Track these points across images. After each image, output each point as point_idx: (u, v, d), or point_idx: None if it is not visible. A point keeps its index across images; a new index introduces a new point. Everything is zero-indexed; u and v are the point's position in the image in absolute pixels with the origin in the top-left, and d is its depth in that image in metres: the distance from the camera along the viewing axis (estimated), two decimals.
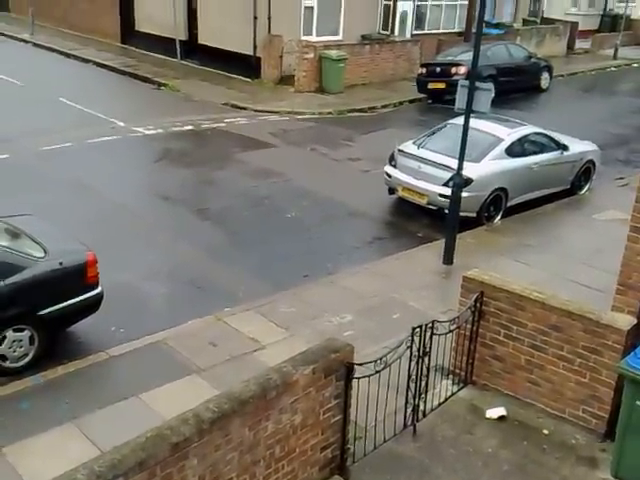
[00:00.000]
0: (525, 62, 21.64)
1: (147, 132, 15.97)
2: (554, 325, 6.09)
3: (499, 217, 11.35)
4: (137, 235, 10.39)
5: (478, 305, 6.44)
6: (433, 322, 5.84)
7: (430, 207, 11.11)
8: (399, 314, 8.09)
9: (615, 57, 28.03)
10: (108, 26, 27.47)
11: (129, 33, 26.73)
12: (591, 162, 12.79)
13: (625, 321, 5.85)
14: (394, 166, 11.77)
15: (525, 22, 29.56)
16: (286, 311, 8.23)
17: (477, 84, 9.62)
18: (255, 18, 21.11)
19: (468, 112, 9.49)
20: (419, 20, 25.45)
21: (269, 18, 21.08)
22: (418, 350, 5.73)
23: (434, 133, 12.11)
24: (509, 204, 11.42)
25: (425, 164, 11.19)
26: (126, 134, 15.70)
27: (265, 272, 9.39)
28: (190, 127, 16.54)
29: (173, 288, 8.87)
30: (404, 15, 24.89)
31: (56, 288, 7.12)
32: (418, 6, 25.26)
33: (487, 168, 11.03)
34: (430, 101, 19.99)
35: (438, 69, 19.94)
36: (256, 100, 19.31)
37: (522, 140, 11.73)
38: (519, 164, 11.43)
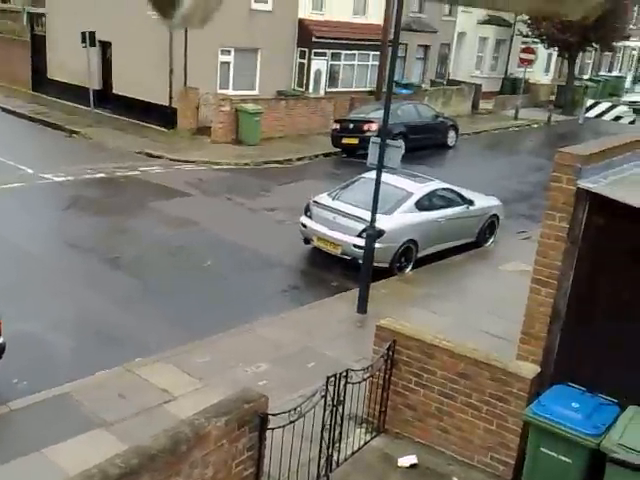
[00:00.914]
0: (433, 121, 22.68)
1: (57, 179, 15.56)
2: (462, 373, 6.28)
3: (410, 267, 11.71)
4: (43, 284, 10.01)
5: (390, 353, 6.57)
6: (347, 371, 5.90)
7: (344, 257, 11.36)
8: (314, 363, 8.11)
9: (516, 117, 29.84)
10: (19, 73, 26.89)
11: (41, 81, 26.23)
12: (495, 216, 13.46)
13: (530, 370, 6.11)
14: (309, 217, 12.01)
15: (433, 83, 31.12)
16: (200, 361, 8.08)
17: (388, 141, 10.02)
18: (171, 71, 21.24)
19: (380, 167, 9.85)
20: (332, 78, 26.32)
21: (185, 71, 21.27)
22: (332, 399, 5.76)
23: (348, 186, 12.45)
24: (419, 255, 11.83)
25: (339, 215, 11.48)
26: (35, 181, 15.24)
27: (180, 322, 9.23)
28: (103, 175, 16.25)
29: (80, 339, 8.55)
30: (318, 73, 25.71)
31: None
32: (331, 65, 26.17)
33: (398, 220, 11.43)
34: (344, 155, 20.54)
35: (351, 125, 20.59)
36: (172, 149, 19.25)
37: (430, 195, 12.23)
38: (428, 217, 11.89)
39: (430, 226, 11.87)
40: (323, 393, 5.63)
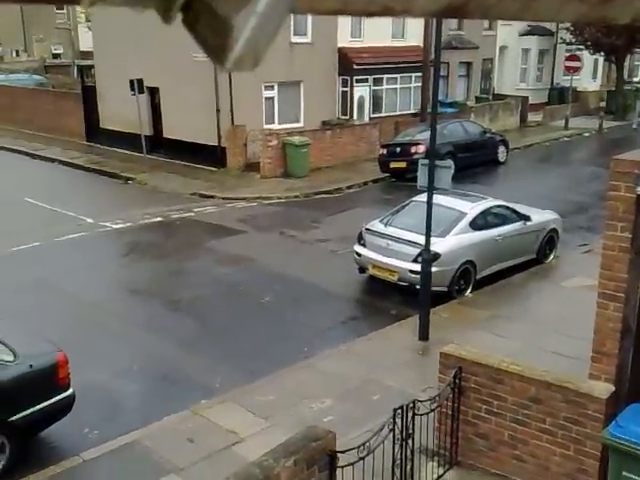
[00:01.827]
0: (481, 137, 22.42)
1: (115, 226, 16.00)
2: (534, 397, 6.08)
3: (470, 290, 11.47)
4: (107, 332, 10.22)
5: (457, 381, 6.42)
6: (414, 402, 5.79)
7: (401, 284, 11.20)
8: (379, 395, 7.99)
9: (566, 127, 29.25)
10: (73, 125, 27.94)
11: (94, 131, 27.18)
12: (554, 230, 13.11)
13: (603, 389, 5.87)
14: (363, 245, 11.91)
15: (478, 99, 30.85)
16: (264, 399, 8.07)
17: (437, 162, 9.93)
18: (218, 110, 21.71)
19: (430, 189, 9.75)
20: (376, 104, 26.39)
21: (231, 110, 21.70)
22: (401, 432, 5.65)
23: (399, 211, 12.34)
24: (478, 276, 11.58)
25: (393, 241, 11.35)
26: (94, 230, 15.71)
27: (241, 360, 9.26)
28: (159, 218, 16.63)
29: (146, 384, 8.67)
30: (361, 100, 25.83)
31: (27, 392, 6.92)
32: (374, 91, 26.26)
33: (453, 242, 11.24)
34: (393, 180, 20.48)
35: (398, 149, 20.54)
36: (223, 188, 19.58)
37: (485, 213, 12.00)
38: (484, 237, 11.65)
39: (487, 245, 11.62)
40: (391, 427, 5.53)
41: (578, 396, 5.85)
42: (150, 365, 9.19)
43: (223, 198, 18.64)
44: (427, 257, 9.92)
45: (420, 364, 8.96)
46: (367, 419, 7.01)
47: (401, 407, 5.63)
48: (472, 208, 11.88)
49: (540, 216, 13.05)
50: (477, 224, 11.72)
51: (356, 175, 21.17)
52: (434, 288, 10.23)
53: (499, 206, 12.44)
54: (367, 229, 11.96)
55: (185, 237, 15.25)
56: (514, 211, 12.50)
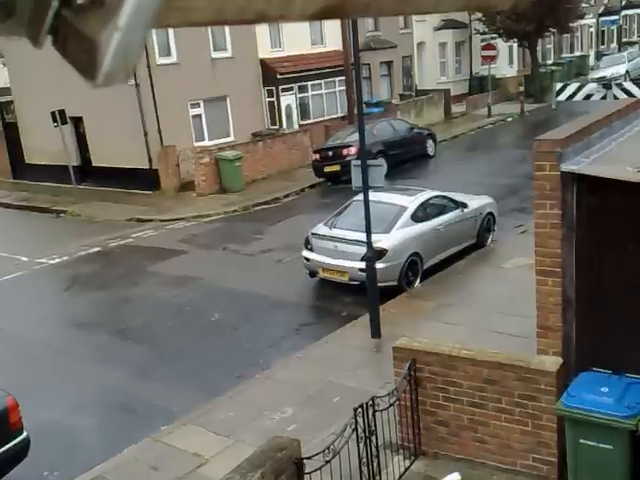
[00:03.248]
0: (409, 133, 22.83)
1: (52, 262, 15.58)
2: (488, 379, 6.23)
3: (418, 280, 11.73)
4: (56, 369, 9.95)
5: (412, 373, 6.51)
6: (373, 399, 5.86)
7: (352, 283, 11.33)
8: (339, 397, 8.04)
9: (489, 115, 30.09)
10: None
11: (19, 167, 26.43)
12: (491, 214, 13.55)
13: (552, 363, 6.06)
14: (311, 250, 12.00)
15: (402, 97, 31.39)
16: (225, 417, 8.01)
17: (368, 162, 10.08)
18: (146, 133, 21.43)
19: (366, 189, 9.89)
20: (304, 111, 26.55)
21: (159, 131, 21.46)
22: (364, 430, 5.70)
23: (341, 212, 12.46)
24: (425, 267, 11.87)
25: (340, 243, 11.48)
26: (31, 267, 15.25)
27: (197, 380, 9.16)
28: (97, 248, 16.28)
29: (103, 417, 8.48)
30: (289, 109, 25.95)
31: None
32: (300, 98, 26.43)
33: (398, 237, 11.46)
34: (329, 184, 20.63)
35: (330, 153, 20.72)
36: (160, 210, 19.33)
37: (424, 205, 12.26)
38: (426, 228, 11.94)
39: (430, 236, 11.92)
40: (353, 426, 5.57)
41: (529, 372, 6.02)
42: (104, 397, 8.99)
43: (161, 220, 18.40)
44: (371, 255, 10.04)
45: (376, 361, 9.06)
46: (330, 422, 7.05)
47: (361, 405, 5.68)
48: (411, 201, 12.13)
49: (476, 202, 13.42)
50: (418, 216, 11.98)
51: (292, 183, 21.24)
52: (384, 284, 10.52)
53: (437, 196, 12.76)
54: (313, 233, 12.07)
55: (126, 264, 14.98)
56: (451, 200, 12.84)
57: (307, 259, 12.02)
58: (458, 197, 13.08)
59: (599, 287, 6.29)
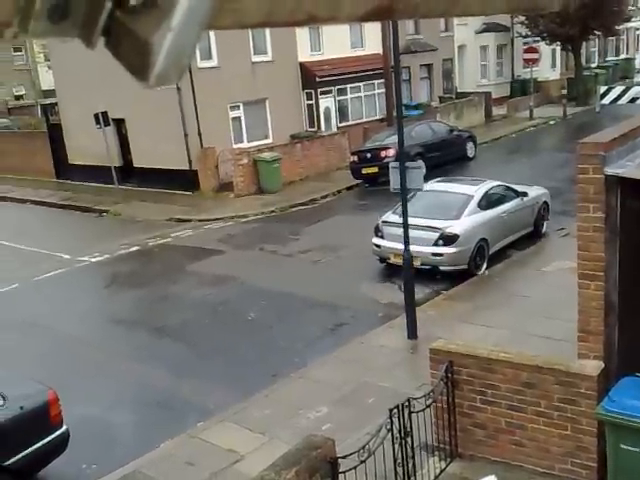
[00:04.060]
0: (448, 136, 22.64)
1: (93, 260, 15.87)
2: (526, 382, 6.12)
3: (485, 265, 12.25)
4: (95, 365, 10.12)
5: (449, 375, 6.44)
6: (409, 400, 5.81)
7: (423, 267, 11.65)
8: (374, 397, 7.99)
9: (531, 117, 29.65)
10: (42, 164, 27.73)
11: (63, 167, 27.01)
12: (545, 203, 14.14)
13: (594, 367, 5.93)
14: (381, 237, 12.49)
15: (441, 99, 31.16)
16: (260, 415, 8.04)
17: (407, 164, 10.03)
18: (186, 135, 21.70)
19: (404, 192, 9.84)
20: (342, 113, 26.56)
21: (199, 133, 21.71)
22: (399, 431, 5.66)
23: (408, 201, 12.52)
24: (491, 252, 12.42)
25: (411, 229, 11.58)
26: (73, 265, 15.56)
27: (233, 378, 9.22)
28: (137, 247, 16.53)
29: (140, 413, 8.59)
30: (327, 111, 25.99)
31: (20, 434, 6.81)
32: (339, 101, 26.44)
33: (467, 223, 12.08)
34: (367, 185, 20.58)
35: (369, 155, 20.68)
36: (199, 211, 19.54)
37: (487, 194, 12.79)
38: (492, 215, 12.52)
39: (495, 222, 12.50)
40: (389, 427, 5.53)
41: (569, 376, 5.90)
42: (142, 394, 9.11)
43: (200, 220, 18.60)
44: (407, 256, 9.98)
45: (411, 362, 8.99)
46: (365, 422, 7.01)
47: (397, 406, 5.64)
48: (476, 190, 12.69)
49: (533, 192, 13.91)
50: (483, 204, 12.54)
51: (329, 184, 21.25)
52: (455, 267, 11.66)
53: (498, 186, 13.27)
54: (384, 221, 12.59)
55: (165, 263, 15.18)
56: (512, 189, 13.38)
57: (378, 246, 12.49)
58: (517, 187, 13.57)
59: None
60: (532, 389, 6.10)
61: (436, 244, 11.67)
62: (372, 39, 26.53)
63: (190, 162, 21.93)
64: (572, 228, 13.16)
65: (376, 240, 12.57)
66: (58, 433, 7.08)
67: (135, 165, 23.97)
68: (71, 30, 0.60)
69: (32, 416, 6.95)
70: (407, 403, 5.78)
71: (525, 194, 13.40)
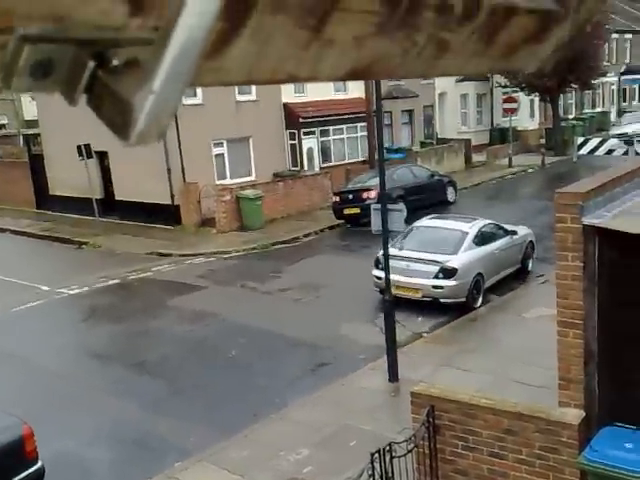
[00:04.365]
0: (429, 180, 22.99)
1: (72, 292, 15.71)
2: (508, 429, 6.16)
3: (481, 298, 12.84)
4: (72, 399, 9.95)
5: (431, 420, 6.46)
6: (390, 444, 5.81)
7: (425, 299, 12.38)
8: (355, 440, 7.96)
9: (510, 165, 30.24)
10: (22, 194, 27.56)
11: (44, 198, 26.86)
12: (531, 242, 14.85)
13: (574, 415, 5.99)
14: (382, 269, 12.34)
15: (422, 144, 31.70)
16: (239, 456, 7.95)
17: (388, 206, 10.20)
18: (169, 170, 21.78)
19: (385, 233, 9.99)
20: (325, 154, 26.89)
21: (182, 169, 21.81)
22: (381, 476, 5.65)
23: (405, 236, 13.32)
24: (485, 286, 13.02)
25: (412, 262, 12.47)
26: (51, 297, 15.39)
27: (213, 417, 9.12)
28: (116, 281, 16.40)
29: (117, 450, 8.44)
30: (310, 151, 26.31)
31: None
32: (322, 142, 26.81)
33: (465, 258, 12.67)
34: (348, 226, 20.74)
35: (351, 196, 20.89)
36: (180, 245, 19.50)
37: (481, 231, 13.49)
38: (486, 251, 13.18)
39: (489, 258, 13.14)
40: (370, 472, 5.52)
41: (551, 424, 5.95)
42: (119, 431, 8.96)
43: (181, 255, 18.55)
44: (389, 299, 10.06)
45: (393, 406, 8.99)
46: (346, 466, 6.97)
47: (378, 451, 5.64)
48: (470, 227, 13.40)
49: (520, 231, 14.57)
50: (477, 241, 13.19)
51: (311, 223, 21.38)
52: (454, 300, 12.23)
53: (489, 224, 14.01)
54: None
55: (145, 297, 15.08)
56: (501, 228, 14.10)
57: (379, 277, 12.59)
58: (506, 226, 14.31)
59: (622, 340, 6.25)
60: (513, 436, 6.14)
61: (436, 277, 12.25)
62: (355, 84, 27.01)
63: (172, 197, 21.96)
64: (551, 275, 13.40)
65: (376, 272, 12.86)
66: (33, 469, 6.95)
67: (117, 198, 23.92)
68: (53, 87, 0.61)
69: (7, 451, 6.82)
70: (389, 447, 5.78)
71: (514, 232, 14.09)
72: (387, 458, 5.73)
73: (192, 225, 21.59)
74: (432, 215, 15.16)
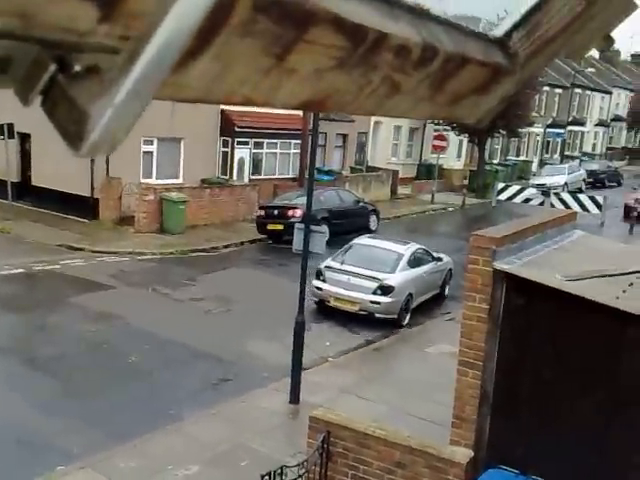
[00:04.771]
0: (354, 206, 23.28)
1: None
2: (398, 462, 6.24)
3: (409, 317, 13.82)
4: None
5: (325, 446, 6.47)
6: (282, 468, 5.78)
7: (361, 313, 13.21)
8: (247, 460, 7.87)
9: (432, 201, 31.06)
10: None
11: None
12: (450, 270, 15.84)
13: (463, 454, 6.14)
14: (323, 280, 13.66)
15: (352, 170, 32.12)
16: (125, 466, 7.70)
17: (312, 227, 10.24)
18: (92, 161, 21.09)
19: (306, 253, 10.00)
20: (256, 166, 26.80)
21: (107, 161, 21.19)
22: None
23: (346, 252, 14.35)
24: (412, 306, 13.97)
25: (353, 276, 13.32)
26: None
27: (103, 423, 8.81)
28: (21, 270, 15.68)
29: None
30: (241, 162, 26.16)
31: None
32: (254, 153, 26.71)
33: (401, 277, 13.62)
34: (270, 241, 20.68)
35: (276, 211, 20.86)
36: (94, 241, 18.88)
37: (414, 254, 14.53)
38: (417, 273, 14.21)
39: (419, 280, 14.17)
40: None
41: (440, 461, 6.08)
42: (3, 428, 8.51)
43: (93, 251, 17.95)
44: (300, 320, 10.05)
45: (290, 428, 8.95)
46: None
47: (269, 473, 5.60)
48: (406, 250, 14.46)
49: (444, 258, 15.64)
50: (410, 263, 14.18)
51: (233, 235, 21.20)
52: (388, 315, 13.16)
53: (420, 248, 15.09)
54: (327, 266, 13.80)
55: (49, 291, 14.48)
56: (429, 253, 15.18)
57: (319, 288, 13.66)
58: (433, 252, 15.41)
59: (516, 386, 6.47)
60: (403, 470, 6.22)
61: (374, 293, 13.10)
62: None
63: (92, 189, 21.27)
64: (457, 313, 13.79)
65: (317, 283, 13.69)
66: None
67: (33, 183, 22.96)
68: (8, 84, 0.59)
69: None
70: (280, 471, 5.75)
71: (440, 259, 15.21)
72: None
73: (110, 221, 20.97)
74: (367, 235, 16.58)
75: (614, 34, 1.05)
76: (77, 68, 0.57)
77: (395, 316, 13.33)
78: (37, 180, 22.77)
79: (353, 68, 0.73)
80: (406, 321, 13.71)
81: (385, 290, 13.15)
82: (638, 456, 5.54)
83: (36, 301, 13.67)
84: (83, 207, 21.05)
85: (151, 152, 23.16)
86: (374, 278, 13.19)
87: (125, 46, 0.55)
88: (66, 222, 20.67)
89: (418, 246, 15.09)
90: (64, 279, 15.40)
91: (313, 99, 0.75)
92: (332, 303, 13.50)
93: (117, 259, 17.50)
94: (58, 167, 21.46)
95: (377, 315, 13.09)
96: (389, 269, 13.50)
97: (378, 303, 13.02)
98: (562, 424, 6.14)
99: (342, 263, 13.71)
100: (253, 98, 0.69)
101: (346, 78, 0.75)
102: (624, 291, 6.11)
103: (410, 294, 13.69)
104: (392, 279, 13.29)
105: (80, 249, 18.03)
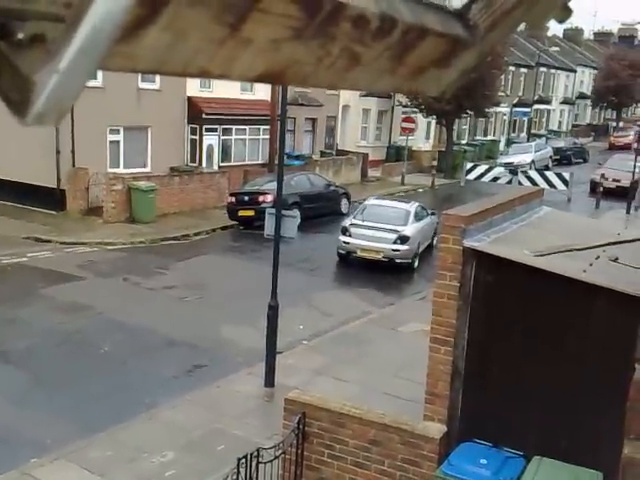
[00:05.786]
0: (325, 190, 23.28)
1: None
2: (373, 440, 6.31)
3: (417, 261, 16.49)
4: None
5: (301, 427, 6.51)
6: (258, 450, 5.80)
7: (383, 260, 15.86)
8: (224, 445, 7.88)
9: (403, 183, 31.18)
10: None
11: None
12: (437, 223, 16.69)
13: (437, 430, 6.22)
14: (349, 236, 16.24)
15: (322, 154, 32.08)
16: (101, 455, 7.66)
17: (283, 211, 10.21)
18: (58, 152, 20.75)
19: (277, 238, 9.98)
20: (225, 153, 26.60)
21: (73, 151, 20.85)
22: None
23: (363, 211, 17.00)
24: (419, 252, 16.58)
25: (375, 230, 15.87)
26: None
27: (76, 413, 8.73)
28: None
29: None
30: (210, 149, 25.94)
31: None
32: (223, 140, 26.50)
33: (412, 228, 16.42)
34: (242, 227, 20.60)
35: (246, 197, 20.77)
36: (62, 232, 18.61)
37: (417, 209, 17.25)
38: (421, 225, 16.99)
39: (422, 230, 16.91)
40: (235, 476, 5.48)
41: (414, 437, 6.15)
42: None
43: (61, 243, 17.69)
44: (273, 304, 10.04)
45: (266, 411, 8.97)
46: (211, 471, 6.89)
47: (245, 456, 5.61)
48: (411, 206, 17.32)
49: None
50: (415, 217, 16.84)
51: (204, 222, 21.06)
52: (404, 260, 16.02)
53: (419, 205, 17.76)
54: (352, 224, 16.46)
55: (17, 284, 14.25)
56: (425, 208, 17.80)
57: (346, 242, 16.28)
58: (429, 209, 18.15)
59: (487, 361, 6.57)
60: (378, 447, 6.29)
61: (395, 242, 15.82)
62: (262, 86, 26.96)
63: (59, 180, 20.92)
64: (428, 292, 13.91)
65: (344, 238, 16.36)
66: None
67: None
68: None
69: None
70: (256, 453, 5.76)
71: (434, 213, 17.24)
72: (254, 463, 5.71)
73: (77, 212, 20.67)
74: (376, 195, 20.19)
75: (572, 5, 1.04)
76: (20, 36, 0.56)
77: (410, 260, 16.09)
78: (0, 171, 22.31)
79: (310, 39, 0.72)
80: (416, 264, 16.34)
81: (403, 239, 15.86)
82: (606, 426, 5.67)
83: (5, 294, 13.44)
84: (50, 199, 20.71)
85: (118, 141, 22.85)
86: (393, 230, 15.86)
87: (69, 13, 0.54)
88: (32, 214, 20.31)
89: (417, 203, 17.89)
90: (33, 271, 15.17)
91: (271, 71, 0.74)
92: (359, 254, 16.14)
93: (86, 250, 17.28)
94: (22, 158, 21.09)
95: (397, 261, 15.82)
96: (403, 222, 16.23)
97: (398, 250, 15.72)
98: (532, 397, 6.26)
99: (363, 220, 16.28)
100: (209, 70, 0.68)
101: (304, 49, 0.74)
102: (591, 264, 6.22)
103: (419, 242, 16.42)
104: (407, 230, 16.06)
105: (48, 241, 17.76)
